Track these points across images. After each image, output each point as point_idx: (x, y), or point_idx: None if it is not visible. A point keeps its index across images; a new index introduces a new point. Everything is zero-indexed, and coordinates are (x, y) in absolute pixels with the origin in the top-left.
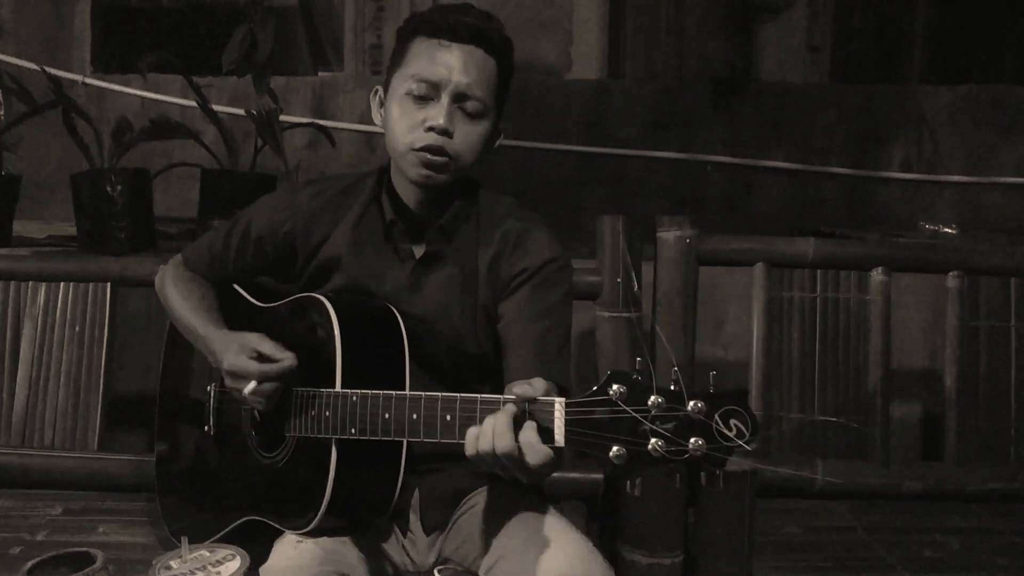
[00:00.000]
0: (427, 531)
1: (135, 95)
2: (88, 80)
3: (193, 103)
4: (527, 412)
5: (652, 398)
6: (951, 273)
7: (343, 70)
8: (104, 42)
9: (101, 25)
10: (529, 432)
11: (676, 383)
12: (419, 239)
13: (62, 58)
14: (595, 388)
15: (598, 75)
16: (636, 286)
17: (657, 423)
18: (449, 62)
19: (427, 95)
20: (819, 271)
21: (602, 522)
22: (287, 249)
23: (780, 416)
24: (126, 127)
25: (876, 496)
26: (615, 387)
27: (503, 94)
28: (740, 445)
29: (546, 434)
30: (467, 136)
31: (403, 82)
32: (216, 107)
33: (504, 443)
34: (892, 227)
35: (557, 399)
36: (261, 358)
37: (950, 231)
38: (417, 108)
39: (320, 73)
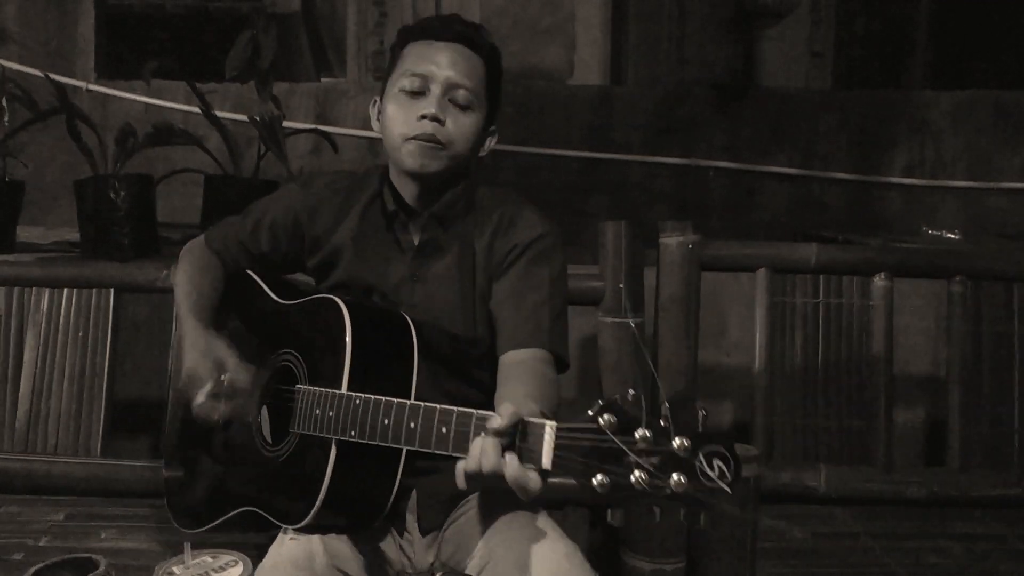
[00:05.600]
0: (424, 532)
1: (139, 101)
2: (92, 86)
3: (196, 109)
4: (516, 433)
5: (639, 431)
6: (954, 278)
7: (346, 76)
8: (108, 48)
9: (105, 32)
10: (513, 463)
11: (666, 419)
12: (418, 230)
13: (66, 64)
14: (586, 416)
15: (601, 81)
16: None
17: (642, 456)
18: (438, 57)
19: (419, 89)
20: (822, 276)
21: (604, 528)
22: (297, 235)
23: (783, 421)
24: (130, 133)
25: (879, 502)
26: (606, 416)
27: (493, 95)
28: (721, 488)
29: (534, 455)
30: (459, 126)
31: (397, 81)
32: (219, 113)
33: (489, 463)
34: (895, 232)
35: (548, 422)
36: (221, 369)
37: (953, 236)
38: (411, 102)
39: (323, 79)
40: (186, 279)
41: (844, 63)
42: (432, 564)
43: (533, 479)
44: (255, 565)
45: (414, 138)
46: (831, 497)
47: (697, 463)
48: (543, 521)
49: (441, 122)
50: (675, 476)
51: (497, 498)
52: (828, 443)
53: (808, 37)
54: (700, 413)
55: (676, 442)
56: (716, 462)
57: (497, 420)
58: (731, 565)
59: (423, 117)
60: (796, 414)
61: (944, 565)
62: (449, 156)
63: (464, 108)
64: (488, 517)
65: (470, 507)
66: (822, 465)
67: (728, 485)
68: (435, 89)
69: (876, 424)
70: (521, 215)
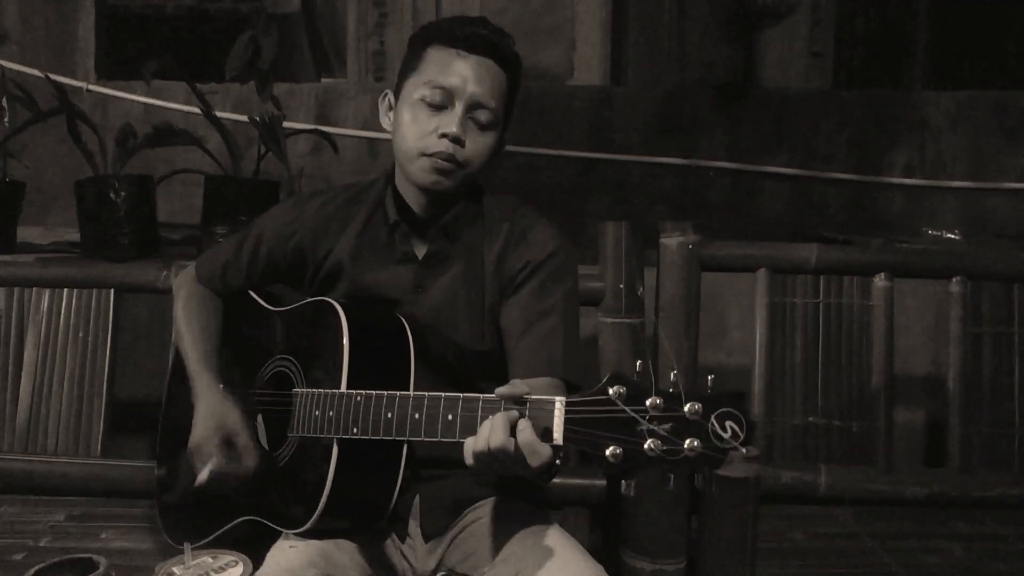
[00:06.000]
0: (426, 538)
1: (139, 102)
2: (92, 87)
3: (197, 110)
4: (527, 411)
5: (650, 399)
6: (954, 279)
7: (346, 76)
8: (108, 49)
9: (105, 32)
10: (526, 431)
11: (675, 386)
12: (423, 241)
13: (66, 65)
14: (595, 388)
15: (601, 81)
16: (640, 289)
17: (654, 423)
18: (464, 72)
19: (441, 103)
20: (822, 277)
21: (605, 528)
22: (297, 261)
23: (783, 422)
24: (130, 133)
25: (879, 502)
26: (615, 388)
27: (511, 108)
28: (735, 447)
29: (545, 432)
30: (477, 146)
31: (416, 88)
32: (220, 114)
33: (498, 440)
34: (895, 233)
35: (557, 398)
36: (230, 446)
37: (953, 237)
38: (430, 115)
39: (323, 79)
40: (189, 332)
41: (844, 63)
42: (434, 570)
43: (544, 449)
44: (255, 567)
45: (432, 155)
46: (831, 497)
47: (709, 426)
48: (556, 536)
49: (462, 143)
50: (688, 440)
51: (509, 512)
52: (828, 443)
53: (808, 37)
54: (708, 378)
55: (687, 407)
56: (728, 423)
57: (501, 388)
58: (731, 565)
59: (444, 136)
60: (796, 414)
61: (944, 565)
62: (463, 175)
63: (484, 128)
64: (500, 527)
65: (479, 516)
66: (822, 465)
67: (741, 444)
68: (458, 106)
69: (876, 424)
70: (533, 229)
